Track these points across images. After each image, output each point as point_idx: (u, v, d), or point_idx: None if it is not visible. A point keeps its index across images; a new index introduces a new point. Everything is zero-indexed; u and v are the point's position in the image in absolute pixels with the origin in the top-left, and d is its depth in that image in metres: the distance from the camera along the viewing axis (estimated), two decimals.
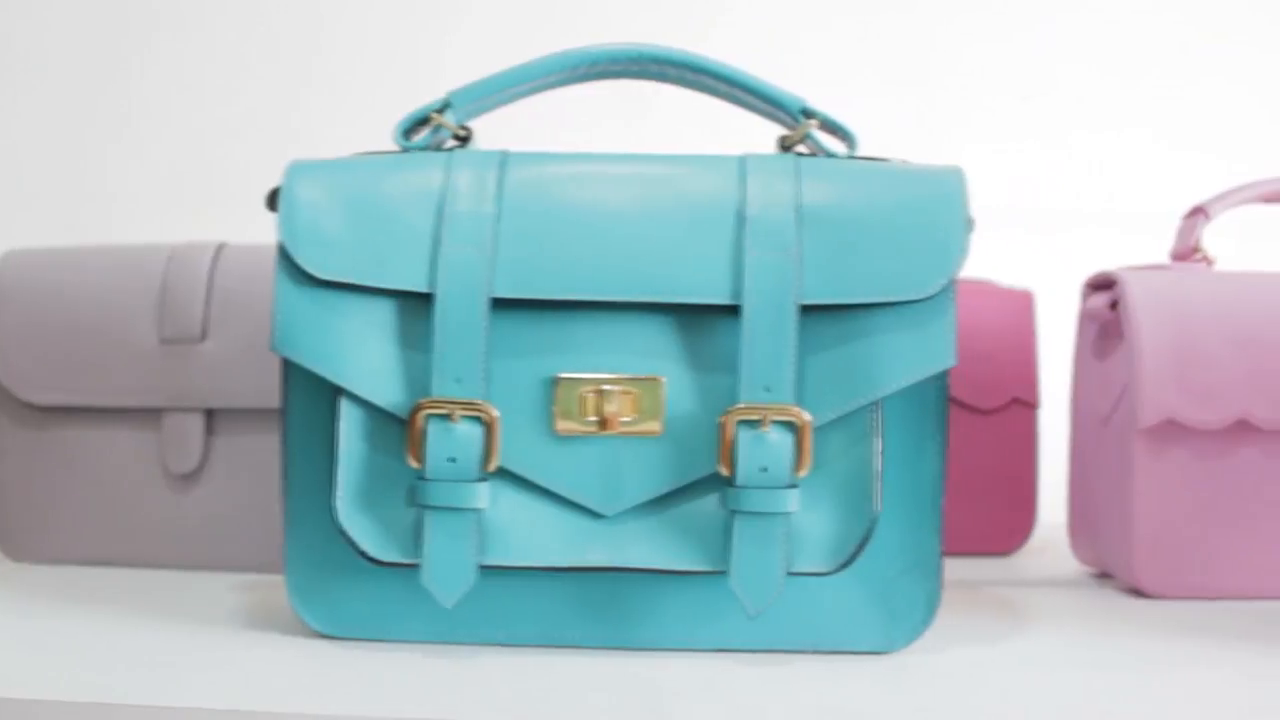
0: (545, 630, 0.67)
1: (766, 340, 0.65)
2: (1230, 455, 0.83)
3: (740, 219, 0.66)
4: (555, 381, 0.66)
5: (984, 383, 1.00)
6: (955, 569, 0.94)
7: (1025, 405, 1.01)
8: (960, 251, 0.66)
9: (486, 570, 0.65)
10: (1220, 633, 0.73)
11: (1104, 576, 0.91)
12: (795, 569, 0.64)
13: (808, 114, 0.72)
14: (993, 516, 1.01)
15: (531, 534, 0.65)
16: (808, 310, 0.65)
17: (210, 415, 0.87)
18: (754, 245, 0.66)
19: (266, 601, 0.76)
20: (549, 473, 0.66)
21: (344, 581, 0.68)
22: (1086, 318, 0.90)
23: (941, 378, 0.67)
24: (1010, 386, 1.00)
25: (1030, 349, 1.01)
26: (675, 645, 0.67)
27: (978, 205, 1.33)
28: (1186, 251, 0.89)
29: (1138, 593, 0.84)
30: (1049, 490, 1.02)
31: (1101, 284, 0.88)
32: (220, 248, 0.89)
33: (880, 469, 0.65)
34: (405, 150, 0.72)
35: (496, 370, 0.66)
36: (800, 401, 0.65)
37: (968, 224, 0.67)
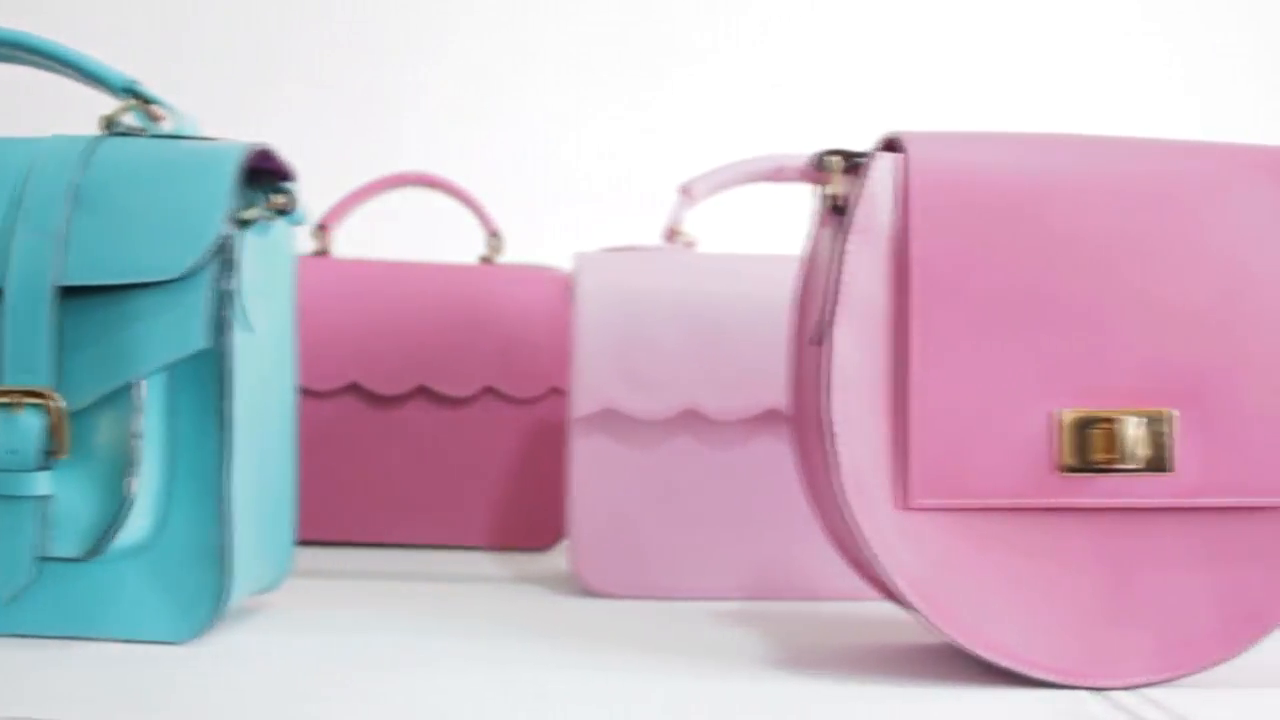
0: None
1: (25, 323, 0.63)
2: (677, 448, 0.80)
3: (15, 202, 0.65)
4: None
5: (524, 371, 0.98)
6: (459, 563, 0.94)
7: (564, 395, 0.97)
8: (215, 230, 0.63)
9: None
10: (599, 637, 0.71)
11: None
12: (49, 554, 0.63)
13: (132, 92, 0.70)
14: (530, 511, 0.98)
15: None
16: (73, 292, 0.63)
17: None
18: (21, 228, 0.64)
19: None
20: None
21: None
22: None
23: (221, 364, 0.65)
24: (550, 375, 0.97)
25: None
26: None
27: (565, 184, 1.32)
28: (670, 232, 0.85)
29: (588, 591, 0.81)
30: None
31: None
32: None
33: (137, 454, 0.63)
34: None
35: None
36: (61, 384, 0.63)
37: (230, 202, 0.64)
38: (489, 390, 0.98)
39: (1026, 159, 0.61)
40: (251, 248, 0.68)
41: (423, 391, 0.98)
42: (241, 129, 1.29)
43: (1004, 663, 0.60)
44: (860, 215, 0.61)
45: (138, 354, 0.63)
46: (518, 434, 0.97)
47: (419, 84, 1.38)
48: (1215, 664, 0.61)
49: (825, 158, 0.63)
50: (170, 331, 0.63)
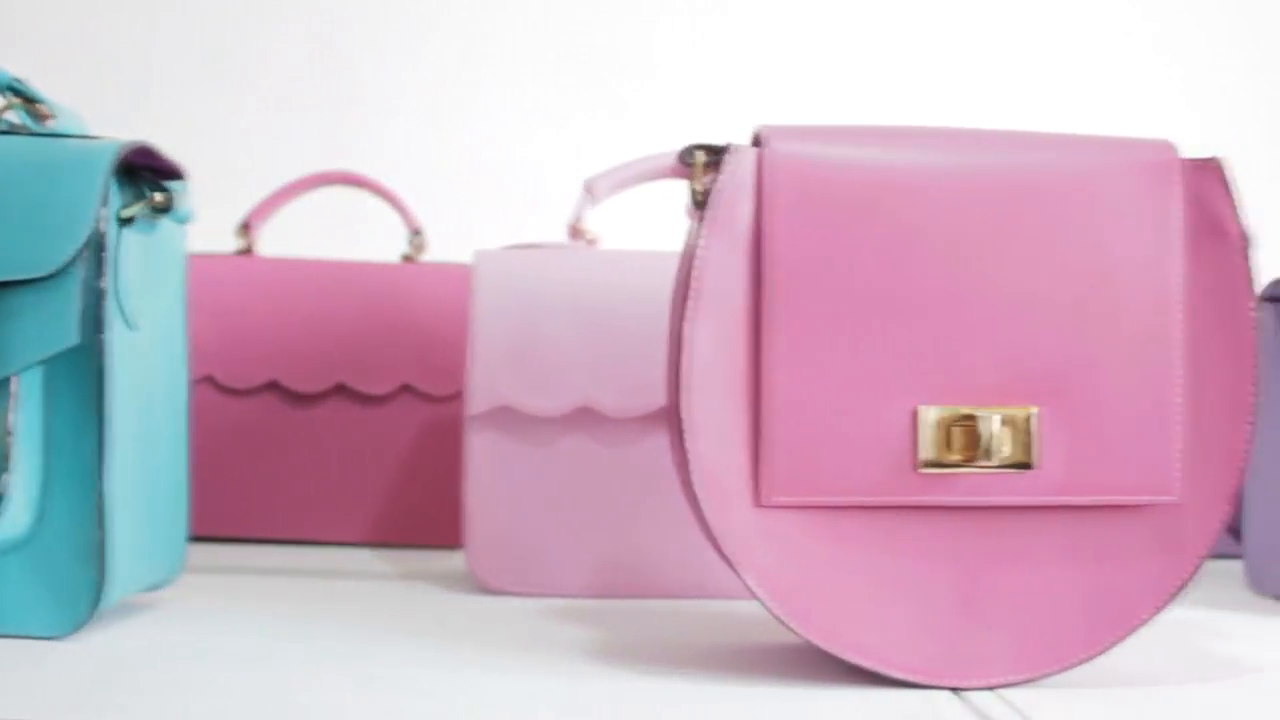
0: None
1: None
2: (572, 446, 0.80)
3: None
4: None
5: (442, 369, 0.98)
6: (365, 560, 0.94)
7: None
8: (87, 227, 0.63)
9: None
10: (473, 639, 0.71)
11: None
12: None
13: (15, 91, 0.70)
14: (449, 508, 0.98)
15: None
16: None
17: None
18: None
19: None
20: None
21: None
22: None
23: (98, 361, 0.65)
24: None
25: None
26: None
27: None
28: (573, 230, 0.86)
29: (485, 589, 0.82)
30: None
31: None
32: None
33: (11, 450, 0.63)
34: None
35: None
36: None
37: (102, 198, 0.64)
38: (406, 388, 0.99)
39: (889, 153, 0.61)
40: (135, 245, 0.68)
41: (341, 390, 0.99)
42: (192, 130, 1.30)
43: (863, 662, 0.59)
44: (716, 210, 0.60)
45: (10, 350, 0.64)
46: (435, 431, 0.98)
47: (359, 85, 1.39)
48: (1078, 664, 0.60)
49: (690, 152, 0.63)
50: (42, 328, 0.64)
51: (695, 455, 0.59)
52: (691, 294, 0.60)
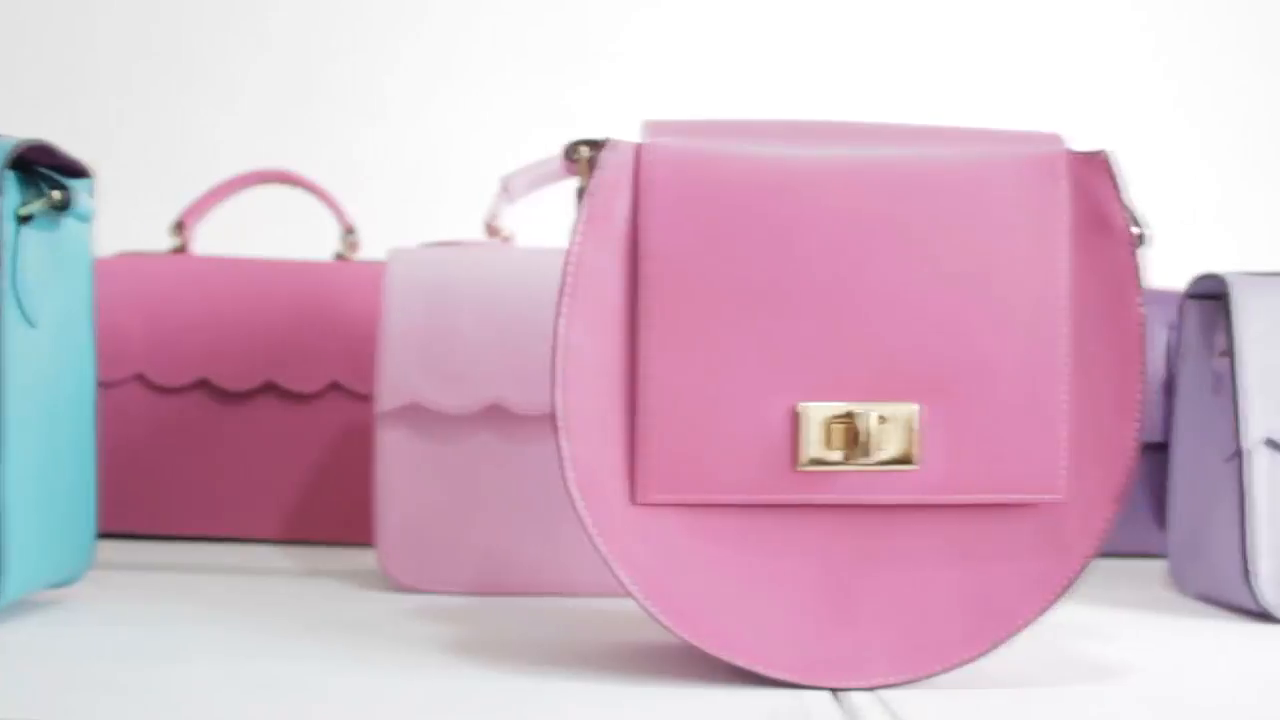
0: None
1: None
2: (482, 443, 0.80)
3: None
4: None
5: (371, 367, 0.97)
6: (283, 558, 0.95)
7: None
8: None
9: None
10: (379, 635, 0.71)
11: None
12: None
13: None
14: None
15: None
16: None
17: None
18: None
19: None
20: None
21: None
22: None
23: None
24: None
25: None
26: None
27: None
28: (489, 228, 0.85)
29: (396, 586, 0.81)
30: None
31: None
32: None
33: None
34: None
35: None
36: None
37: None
38: (335, 386, 0.99)
39: (771, 147, 0.61)
40: (35, 243, 0.68)
41: (271, 387, 0.99)
42: (132, 129, 1.30)
43: (740, 662, 0.59)
44: (592, 204, 0.60)
45: None
46: (364, 429, 0.97)
47: (301, 85, 1.40)
48: (961, 664, 0.60)
49: (574, 148, 0.62)
50: None
51: (570, 453, 0.59)
52: (566, 291, 0.59)
